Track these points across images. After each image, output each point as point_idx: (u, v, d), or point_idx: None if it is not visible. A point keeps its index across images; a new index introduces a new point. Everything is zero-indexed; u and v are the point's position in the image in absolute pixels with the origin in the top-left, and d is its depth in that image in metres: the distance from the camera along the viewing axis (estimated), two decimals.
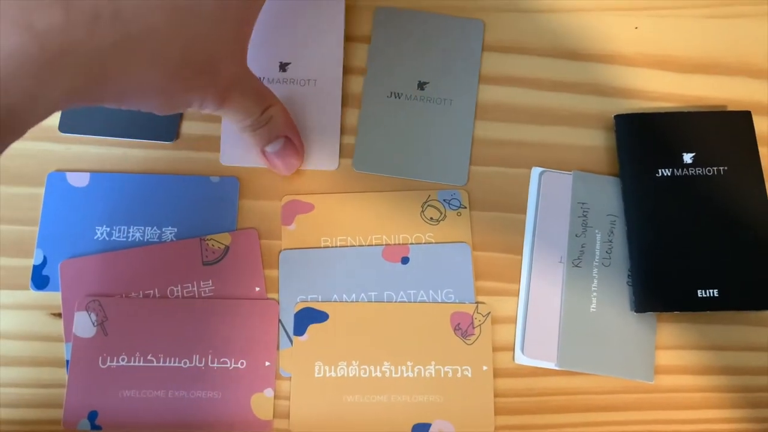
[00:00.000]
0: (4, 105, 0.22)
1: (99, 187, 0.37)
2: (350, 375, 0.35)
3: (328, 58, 0.39)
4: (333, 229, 0.37)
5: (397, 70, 0.39)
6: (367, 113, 0.39)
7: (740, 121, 0.38)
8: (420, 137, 0.38)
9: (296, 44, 0.39)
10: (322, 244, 0.37)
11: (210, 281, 0.36)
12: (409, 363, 0.35)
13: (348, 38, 0.39)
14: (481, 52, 0.40)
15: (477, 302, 0.36)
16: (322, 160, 0.38)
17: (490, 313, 0.36)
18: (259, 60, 0.38)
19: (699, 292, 0.35)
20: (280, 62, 0.39)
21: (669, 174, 0.37)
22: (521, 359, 0.36)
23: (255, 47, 0.37)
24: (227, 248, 0.36)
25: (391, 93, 0.39)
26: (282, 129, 0.35)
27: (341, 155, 0.38)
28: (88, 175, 0.37)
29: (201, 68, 0.29)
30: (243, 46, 0.31)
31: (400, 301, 0.36)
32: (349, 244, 0.37)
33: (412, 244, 0.37)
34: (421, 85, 0.39)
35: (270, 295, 0.36)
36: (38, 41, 0.22)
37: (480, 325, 0.36)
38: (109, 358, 0.35)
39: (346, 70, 0.39)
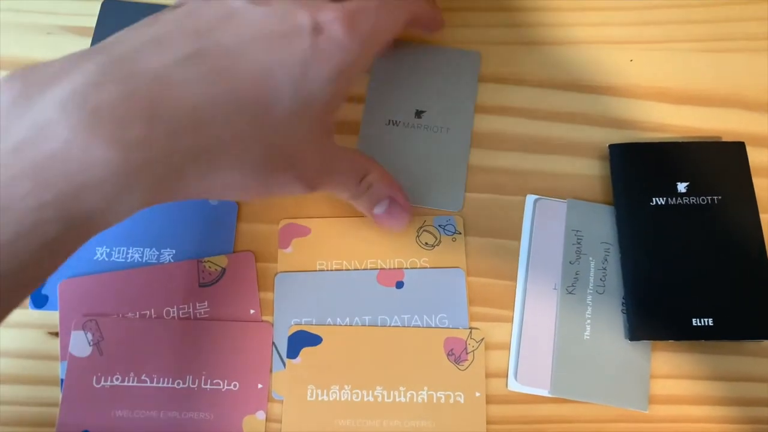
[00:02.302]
0: (84, 211, 0.23)
1: None
2: (343, 399, 0.35)
3: None
4: (329, 253, 0.38)
5: (395, 99, 0.40)
6: (365, 140, 0.39)
7: (734, 151, 0.38)
8: (417, 164, 0.39)
9: None
10: (318, 268, 0.37)
11: (206, 303, 0.36)
12: (401, 388, 0.35)
13: None
14: (477, 82, 0.40)
15: (471, 328, 0.36)
16: None
17: (483, 339, 0.36)
18: None
19: (694, 320, 0.35)
20: None
21: (663, 203, 0.37)
22: (514, 386, 0.36)
23: None
24: (224, 270, 0.37)
25: (389, 121, 0.40)
26: (384, 192, 0.35)
27: None
28: None
29: (283, 167, 0.29)
30: (328, 134, 0.31)
31: (394, 326, 0.36)
32: (344, 268, 0.37)
33: (406, 268, 0.37)
34: (419, 114, 0.40)
35: (265, 318, 0.36)
36: (123, 153, 0.23)
37: (473, 350, 0.36)
38: (103, 377, 0.35)
39: None
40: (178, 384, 0.35)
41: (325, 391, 0.35)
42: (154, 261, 0.37)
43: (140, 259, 0.37)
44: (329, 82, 0.28)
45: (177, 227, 0.38)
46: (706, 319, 0.35)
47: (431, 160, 0.39)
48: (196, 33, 0.26)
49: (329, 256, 0.38)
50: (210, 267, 0.37)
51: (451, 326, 0.36)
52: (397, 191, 0.36)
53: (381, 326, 0.36)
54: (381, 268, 0.37)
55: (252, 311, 0.36)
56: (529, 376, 0.36)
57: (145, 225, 0.38)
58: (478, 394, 0.35)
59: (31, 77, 0.23)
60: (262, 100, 0.27)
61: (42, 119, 0.22)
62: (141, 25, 0.27)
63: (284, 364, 0.36)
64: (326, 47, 0.28)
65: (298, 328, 0.36)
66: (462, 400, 0.35)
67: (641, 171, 0.38)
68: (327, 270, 0.37)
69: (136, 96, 0.24)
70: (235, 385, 0.35)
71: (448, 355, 0.36)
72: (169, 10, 0.28)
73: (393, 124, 0.40)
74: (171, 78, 0.24)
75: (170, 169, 0.25)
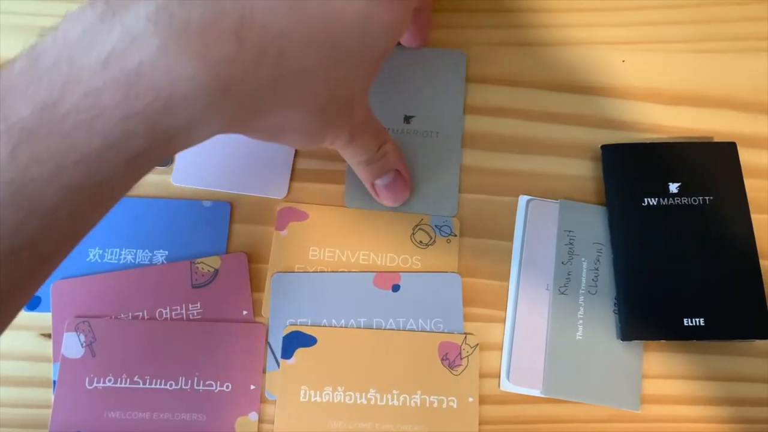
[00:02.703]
0: (169, 126, 0.24)
1: None
2: (336, 401, 0.35)
3: None
4: (323, 240, 0.38)
5: (382, 106, 0.39)
6: None
7: (725, 151, 0.38)
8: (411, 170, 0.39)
9: None
10: (311, 255, 0.38)
11: (198, 304, 0.36)
12: (395, 391, 0.35)
13: None
14: (464, 82, 0.40)
15: (466, 333, 0.36)
16: (273, 187, 0.39)
17: (478, 344, 0.36)
18: None
19: (685, 320, 0.35)
20: None
21: (655, 203, 0.37)
22: (507, 386, 0.36)
23: None
24: (216, 271, 0.37)
25: None
26: (394, 163, 0.36)
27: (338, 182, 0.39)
28: None
29: (342, 108, 0.30)
30: (369, 87, 0.32)
31: (389, 329, 0.36)
32: (336, 258, 0.37)
33: (403, 272, 0.37)
34: (407, 119, 0.40)
35: (258, 319, 0.36)
36: (211, 70, 0.23)
37: (468, 356, 0.36)
38: (96, 379, 0.35)
39: None
40: (171, 385, 0.35)
41: (318, 392, 0.35)
42: (146, 262, 0.37)
43: (133, 261, 0.37)
44: (387, 31, 0.28)
45: (169, 228, 0.38)
46: (697, 319, 0.35)
47: (423, 165, 0.39)
48: None
49: (323, 244, 0.38)
50: (203, 268, 0.37)
51: (446, 331, 0.36)
52: (404, 166, 0.37)
53: (376, 329, 0.36)
54: (377, 271, 0.37)
55: (245, 312, 0.36)
56: (522, 376, 0.36)
57: (138, 226, 0.38)
58: (471, 400, 0.35)
59: None
60: (332, 39, 0.26)
61: (131, 32, 0.22)
62: None
63: (278, 364, 0.36)
64: None
65: (293, 328, 0.36)
66: (455, 405, 0.35)
67: (633, 171, 0.38)
68: (319, 258, 0.37)
69: (224, 15, 0.23)
70: (227, 387, 0.35)
71: (442, 359, 0.36)
72: None
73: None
74: (254, 3, 0.24)
75: (252, 94, 0.25)
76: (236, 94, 0.25)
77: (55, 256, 0.25)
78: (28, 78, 0.22)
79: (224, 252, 0.37)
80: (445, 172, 0.39)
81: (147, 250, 0.37)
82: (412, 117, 0.40)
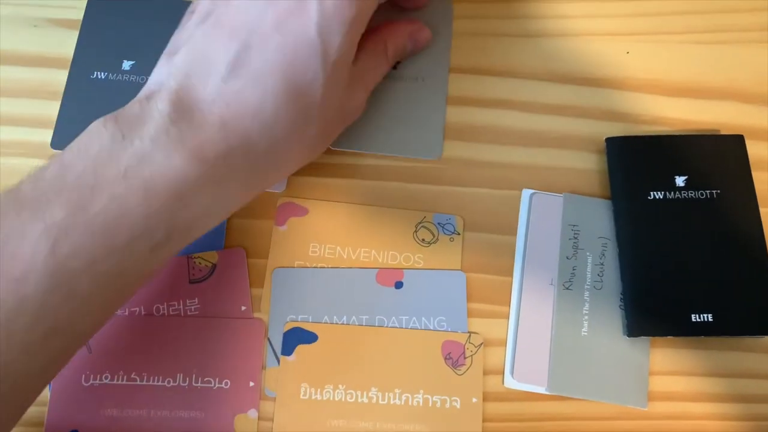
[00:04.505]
0: (185, 218, 0.28)
1: None
2: (336, 399, 0.34)
3: None
4: (324, 236, 0.37)
5: None
6: None
7: (733, 144, 0.38)
8: (393, 113, 0.38)
9: None
10: (311, 251, 0.37)
11: (196, 299, 0.36)
12: (397, 390, 0.35)
13: None
14: (451, 29, 0.40)
15: (470, 332, 0.36)
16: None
17: (482, 344, 0.35)
18: None
19: (693, 316, 0.35)
20: None
21: (661, 197, 0.36)
22: (511, 383, 0.35)
23: None
24: (214, 266, 0.36)
25: None
26: (403, 39, 0.38)
27: (339, 176, 0.38)
28: None
29: (339, 124, 0.35)
30: (351, 64, 0.33)
31: (391, 326, 0.36)
32: (337, 255, 0.37)
33: (406, 269, 0.36)
34: (394, 65, 0.39)
35: (257, 314, 0.36)
36: (211, 167, 0.28)
37: (471, 355, 0.35)
38: (92, 376, 0.34)
39: None
40: (169, 382, 0.34)
41: (318, 390, 0.35)
42: None
43: None
44: (346, 36, 0.30)
45: None
46: (705, 315, 0.35)
47: (408, 109, 0.39)
48: (231, 33, 0.29)
49: (324, 240, 0.37)
50: (200, 263, 0.36)
51: (449, 329, 0.36)
52: (408, 27, 0.38)
53: (378, 326, 0.36)
54: (380, 267, 0.36)
55: (243, 308, 0.36)
56: (526, 373, 0.35)
57: None
58: (474, 400, 0.35)
59: (121, 119, 0.28)
60: (299, 83, 0.29)
61: (139, 152, 0.27)
62: (174, 49, 0.31)
63: (278, 361, 0.35)
64: (332, 6, 0.29)
65: (294, 324, 0.35)
66: (458, 405, 0.34)
67: (639, 165, 0.37)
68: (319, 255, 0.37)
69: (207, 121, 0.28)
70: (226, 383, 0.34)
71: (445, 358, 0.35)
72: (186, 24, 0.32)
73: None
74: (226, 95, 0.28)
75: (252, 171, 0.30)
76: (236, 178, 0.30)
77: (84, 336, 0.29)
78: (61, 184, 0.26)
79: (222, 246, 0.37)
80: (431, 115, 0.39)
81: None
82: (399, 62, 0.39)
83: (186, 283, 0.36)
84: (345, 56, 0.31)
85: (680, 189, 0.37)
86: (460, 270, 0.37)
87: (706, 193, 0.36)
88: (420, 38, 0.39)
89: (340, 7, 0.29)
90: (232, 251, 0.36)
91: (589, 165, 0.39)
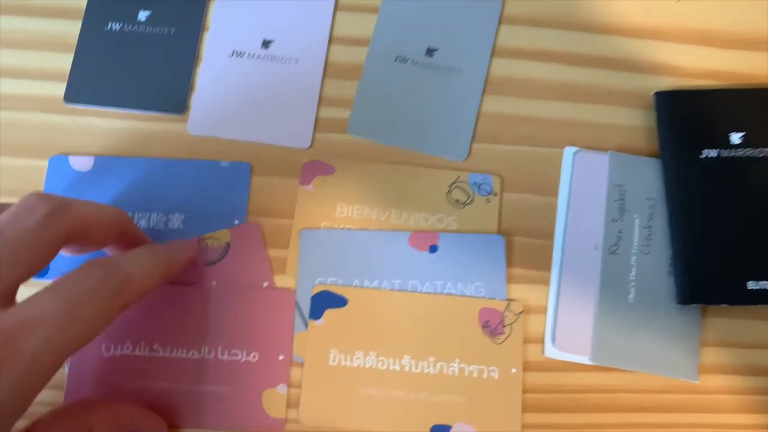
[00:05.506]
0: None
1: (103, 172, 0.35)
2: (367, 366, 0.33)
3: (314, 32, 0.37)
4: (352, 196, 0.35)
5: (405, 35, 0.37)
6: (368, 78, 0.37)
7: None
8: (423, 106, 0.36)
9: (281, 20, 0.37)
10: (338, 212, 0.35)
11: (214, 282, 0.34)
12: (431, 359, 0.33)
13: (344, 8, 0.38)
14: (499, 19, 0.37)
15: (509, 299, 0.34)
16: (294, 137, 0.36)
17: (522, 311, 0.33)
18: (240, 36, 0.37)
19: (749, 284, 0.32)
20: (264, 39, 0.37)
21: (715, 155, 0.34)
22: (551, 352, 0.33)
23: (236, 22, 0.37)
24: (228, 245, 0.34)
25: (398, 57, 0.37)
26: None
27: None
28: (91, 159, 0.35)
29: None
30: None
31: (425, 292, 0.34)
32: (366, 216, 0.35)
33: (442, 231, 0.34)
34: (430, 52, 0.37)
35: (283, 278, 0.34)
36: None
37: (511, 324, 0.33)
38: (113, 346, 0.33)
39: (337, 41, 0.37)
40: (193, 354, 0.33)
41: (348, 356, 0.33)
42: (161, 227, 0.34)
43: (147, 225, 0.34)
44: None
45: (186, 190, 0.35)
46: (763, 282, 0.32)
47: (439, 103, 0.36)
48: None
49: (352, 200, 0.35)
50: (213, 244, 0.34)
51: (487, 296, 0.34)
52: (137, 417, 0.30)
53: (411, 292, 0.34)
54: (411, 230, 0.34)
55: (265, 284, 0.34)
56: (568, 342, 0.33)
57: (151, 189, 0.35)
58: (514, 371, 0.33)
59: None
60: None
61: None
62: None
63: (306, 325, 0.33)
64: None
65: (323, 288, 0.34)
66: (496, 376, 0.33)
67: (690, 121, 0.35)
68: (347, 216, 0.35)
69: None
70: (254, 356, 0.33)
71: (483, 326, 0.33)
72: None
73: (401, 61, 0.37)
74: None
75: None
76: None
77: None
78: None
79: (245, 210, 0.35)
80: (462, 113, 0.36)
81: (162, 214, 0.35)
82: (436, 50, 0.37)
83: (201, 267, 0.34)
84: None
85: (736, 146, 0.34)
86: (497, 232, 0.34)
87: (764, 150, 0.34)
88: None
89: None
90: (246, 226, 0.34)
91: (637, 121, 0.36)
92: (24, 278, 0.25)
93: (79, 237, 0.27)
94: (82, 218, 0.27)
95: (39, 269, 0.25)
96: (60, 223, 0.26)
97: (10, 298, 0.25)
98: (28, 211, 0.25)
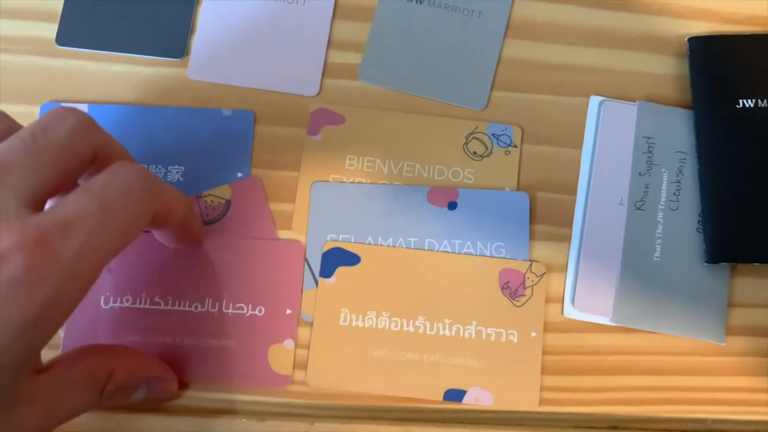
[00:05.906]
0: None
1: (98, 120, 0.33)
2: (379, 326, 0.31)
3: None
4: (362, 146, 0.33)
5: None
6: (381, 20, 0.34)
7: None
8: (440, 51, 0.34)
9: None
10: (348, 164, 0.33)
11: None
12: (447, 320, 0.31)
13: None
14: None
15: (531, 260, 0.32)
16: (301, 83, 0.34)
17: (545, 273, 0.32)
18: None
19: None
20: None
21: (752, 105, 0.32)
22: (571, 313, 0.32)
23: None
24: (228, 202, 0.32)
25: None
26: (138, 381, 0.28)
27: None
28: (85, 106, 0.33)
29: None
30: (35, 376, 0.24)
31: (443, 251, 0.32)
32: (377, 169, 0.33)
33: (458, 186, 0.33)
34: None
35: (289, 233, 0.32)
36: None
37: (532, 285, 0.32)
38: (112, 298, 0.31)
39: None
40: (196, 307, 0.31)
41: (360, 316, 0.31)
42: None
43: None
44: (18, 336, 0.21)
45: (186, 141, 0.33)
46: None
47: (457, 47, 0.34)
48: None
49: (362, 151, 0.33)
50: (212, 201, 0.32)
51: (508, 257, 0.32)
52: (155, 368, 0.29)
53: (428, 250, 0.32)
54: (427, 184, 0.33)
55: None
56: (589, 302, 0.32)
57: (148, 140, 0.33)
58: (534, 335, 0.31)
59: None
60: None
61: None
62: None
63: (316, 283, 0.32)
64: (4, 291, 0.21)
65: (334, 244, 0.32)
66: (515, 340, 0.31)
67: (726, 69, 0.33)
68: (357, 168, 0.33)
69: None
70: (260, 310, 0.31)
71: (502, 288, 0.32)
72: None
73: (417, 1, 0.35)
74: None
75: None
76: None
77: None
78: None
79: (249, 160, 0.33)
80: (481, 58, 0.34)
81: (160, 166, 0.33)
82: None
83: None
84: (15, 365, 0.22)
85: None
86: (516, 187, 0.33)
87: None
88: (157, 390, 0.30)
89: (17, 292, 0.21)
90: (247, 182, 0.33)
91: (668, 69, 0.34)
92: (46, 188, 0.24)
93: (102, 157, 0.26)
94: (105, 139, 0.27)
95: (65, 180, 0.24)
96: (90, 137, 0.25)
97: (40, 204, 0.24)
98: (59, 119, 0.25)
